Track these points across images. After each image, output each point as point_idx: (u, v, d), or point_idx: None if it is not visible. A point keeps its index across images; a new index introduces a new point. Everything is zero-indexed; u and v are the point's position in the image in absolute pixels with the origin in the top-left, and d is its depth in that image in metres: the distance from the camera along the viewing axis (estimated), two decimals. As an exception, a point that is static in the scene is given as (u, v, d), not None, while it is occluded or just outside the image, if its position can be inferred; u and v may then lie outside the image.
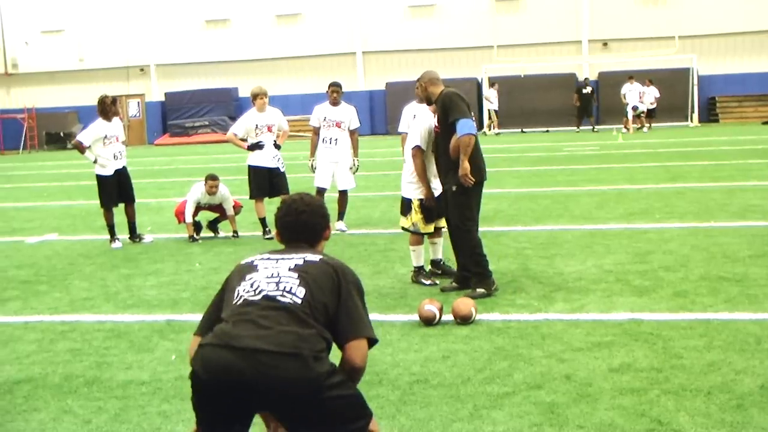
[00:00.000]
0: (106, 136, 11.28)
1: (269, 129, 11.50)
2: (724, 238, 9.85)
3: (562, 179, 16.89)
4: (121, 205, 11.53)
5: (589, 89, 34.82)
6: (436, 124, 7.82)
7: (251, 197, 11.60)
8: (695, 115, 36.80)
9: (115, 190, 11.42)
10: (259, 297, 3.47)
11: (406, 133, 11.14)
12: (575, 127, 35.31)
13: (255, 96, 11.54)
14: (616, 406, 4.79)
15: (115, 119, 11.60)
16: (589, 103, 34.71)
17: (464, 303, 6.73)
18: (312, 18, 42.41)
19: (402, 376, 5.39)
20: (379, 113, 39.80)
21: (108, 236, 11.41)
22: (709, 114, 38.32)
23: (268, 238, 11.23)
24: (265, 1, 42.57)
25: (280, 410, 3.41)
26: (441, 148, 7.75)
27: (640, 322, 6.45)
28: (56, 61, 44.50)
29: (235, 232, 11.63)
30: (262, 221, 11.47)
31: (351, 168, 11.89)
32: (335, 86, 11.85)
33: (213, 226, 11.86)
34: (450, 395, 5.07)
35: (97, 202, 11.59)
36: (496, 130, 36.35)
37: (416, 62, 39.72)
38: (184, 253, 10.64)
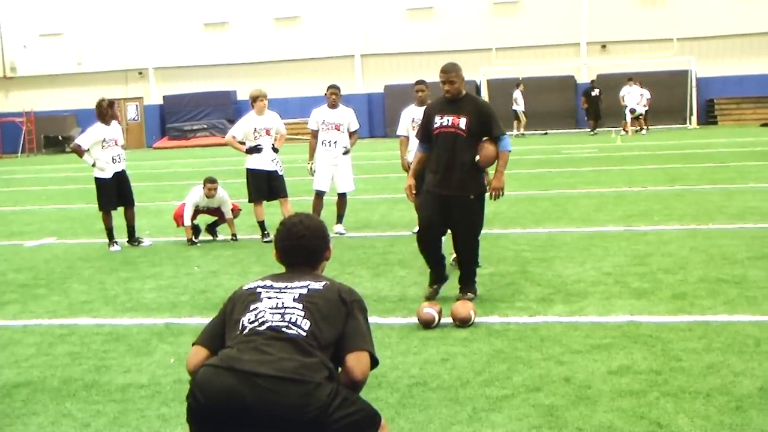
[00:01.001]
0: (104, 140, 11.28)
1: (267, 132, 11.50)
2: (723, 240, 9.86)
3: (560, 181, 16.90)
4: (120, 209, 11.53)
5: (597, 91, 34.60)
6: (462, 128, 7.47)
7: (250, 200, 11.60)
8: (694, 118, 36.80)
9: (114, 193, 11.41)
10: (263, 328, 3.44)
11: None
12: (590, 130, 34.90)
13: (255, 98, 11.53)
14: (615, 408, 4.79)
15: (114, 123, 11.60)
16: (597, 106, 34.48)
17: (463, 306, 6.73)
18: (310, 21, 42.43)
19: (401, 379, 5.39)
20: (378, 116, 39.80)
21: (107, 239, 11.41)
22: (708, 116, 38.33)
23: (266, 242, 11.22)
24: (263, 4, 42.58)
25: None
26: (461, 152, 7.41)
27: (639, 325, 6.45)
28: (55, 65, 44.49)
29: (233, 235, 11.63)
30: (261, 224, 11.46)
31: (346, 148, 11.82)
32: (334, 89, 11.84)
33: (212, 229, 11.86)
34: (449, 398, 5.07)
35: (96, 205, 11.59)
36: (521, 131, 35.93)
37: (415, 65, 39.75)
38: (183, 256, 10.64)
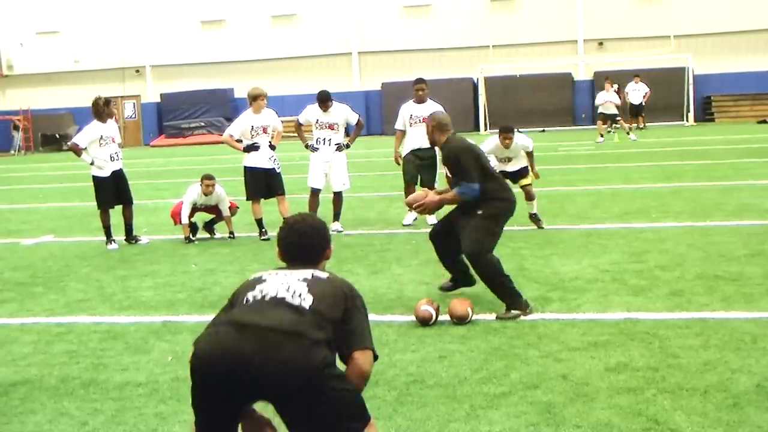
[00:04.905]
0: (101, 137, 11.27)
1: (264, 130, 11.49)
2: (720, 237, 9.87)
3: (558, 179, 16.90)
4: (118, 207, 11.53)
5: (615, 87, 31.16)
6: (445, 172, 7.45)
7: (248, 198, 11.59)
8: (691, 115, 36.84)
9: (112, 191, 11.41)
10: (268, 298, 3.54)
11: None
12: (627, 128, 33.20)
13: (255, 97, 11.47)
14: (612, 405, 4.79)
15: (110, 121, 11.58)
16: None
17: (461, 303, 6.73)
18: (307, 18, 42.42)
19: (399, 377, 5.39)
20: (375, 113, 39.77)
21: (104, 237, 11.41)
22: (705, 113, 38.38)
23: (264, 239, 11.22)
24: (260, 2, 42.57)
25: (277, 396, 3.38)
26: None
27: (637, 322, 6.46)
28: (51, 63, 44.47)
29: (231, 233, 11.62)
30: (259, 222, 11.46)
31: (338, 145, 11.76)
32: (323, 101, 11.60)
33: (209, 227, 11.85)
34: (447, 395, 5.07)
35: (93, 203, 11.58)
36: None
37: (412, 62, 39.79)
38: (180, 254, 10.63)
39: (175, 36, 43.52)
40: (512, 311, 6.83)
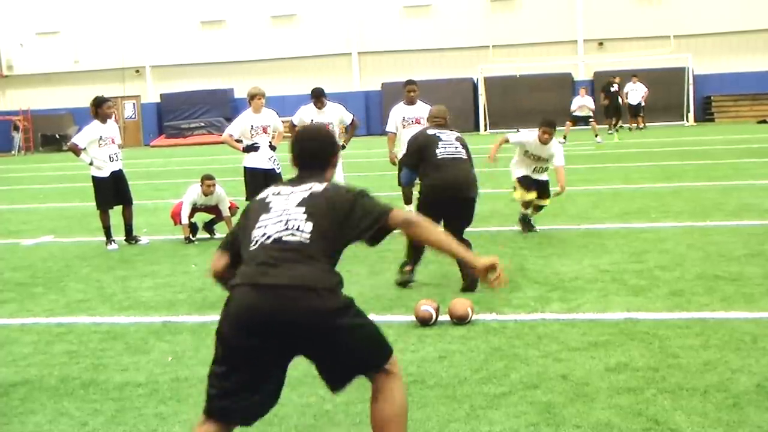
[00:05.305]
0: (101, 138, 11.26)
1: (264, 130, 11.47)
2: (720, 237, 9.87)
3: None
4: (118, 207, 11.52)
5: (615, 87, 31.96)
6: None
7: (247, 199, 11.57)
8: (691, 115, 36.85)
9: (111, 192, 11.40)
10: (270, 241, 3.72)
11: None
12: (608, 128, 31.84)
13: (253, 96, 11.49)
14: (612, 405, 4.79)
15: (110, 121, 11.58)
16: (617, 102, 31.95)
17: (461, 303, 6.73)
18: (307, 19, 42.43)
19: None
20: (375, 113, 39.75)
21: (104, 238, 11.40)
22: (705, 113, 38.38)
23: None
24: (260, 2, 42.57)
25: (303, 343, 3.60)
26: None
27: (637, 322, 6.46)
28: (51, 63, 44.48)
29: (231, 233, 11.61)
30: (258, 222, 11.44)
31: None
32: (317, 96, 11.70)
33: (209, 227, 11.85)
34: (447, 395, 5.07)
35: (93, 203, 11.58)
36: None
37: (412, 62, 39.79)
38: (180, 254, 10.63)
39: (175, 36, 43.53)
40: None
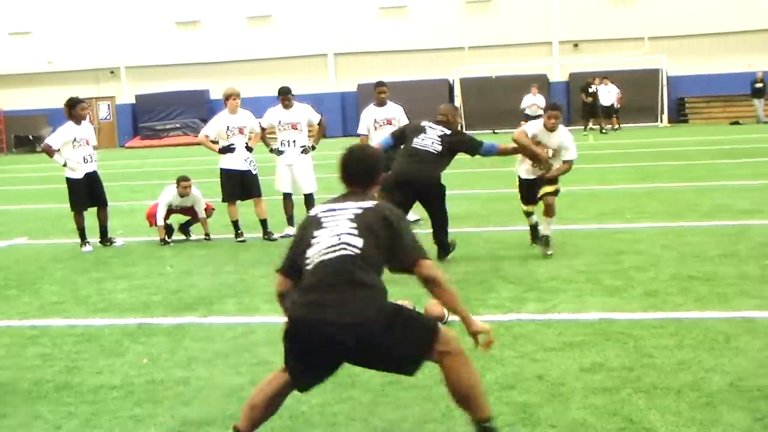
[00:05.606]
0: (75, 139, 11.18)
1: (241, 131, 11.44)
2: (694, 237, 9.94)
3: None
4: (92, 209, 11.45)
5: (594, 88, 32.51)
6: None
7: (223, 200, 11.55)
8: (665, 116, 37.09)
9: (86, 193, 11.32)
10: (324, 259, 4.13)
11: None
12: (584, 129, 32.70)
13: (228, 97, 11.48)
14: (588, 405, 4.82)
15: (85, 122, 11.51)
16: (594, 103, 32.67)
17: (437, 304, 6.71)
18: (283, 20, 42.30)
19: (374, 378, 5.38)
20: (351, 114, 39.59)
21: (79, 240, 11.33)
22: (679, 114, 38.63)
23: (240, 241, 11.21)
24: (235, 3, 42.40)
25: (357, 347, 4.04)
26: None
27: (612, 322, 6.49)
28: (25, 63, 44.03)
29: (206, 234, 11.58)
30: (235, 224, 11.42)
31: (303, 147, 11.68)
32: (284, 94, 11.68)
33: (185, 229, 11.80)
34: (422, 396, 5.08)
35: (68, 205, 11.49)
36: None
37: (388, 63, 39.78)
38: (156, 256, 10.58)
39: (150, 37, 43.25)
40: None
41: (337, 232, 4.17)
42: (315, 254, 4.17)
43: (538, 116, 28.11)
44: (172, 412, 5.03)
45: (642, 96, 36.56)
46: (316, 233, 4.24)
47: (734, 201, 12.70)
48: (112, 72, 44.21)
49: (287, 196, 11.68)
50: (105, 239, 11.50)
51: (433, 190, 9.20)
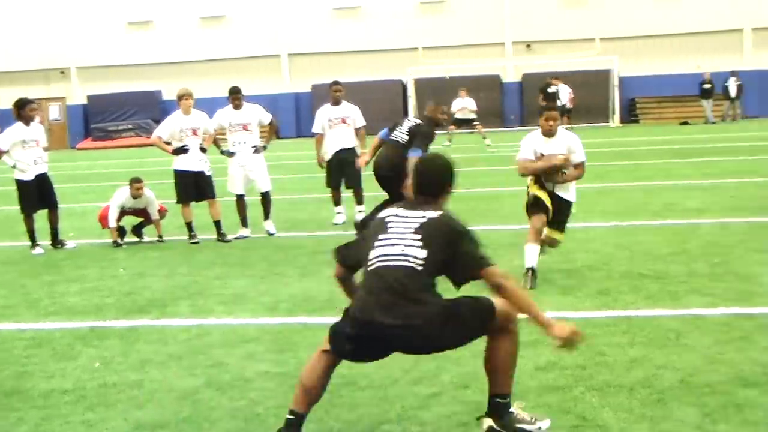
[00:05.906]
0: (24, 140, 11.04)
1: (194, 132, 11.37)
2: (645, 236, 10.07)
3: (486, 180, 17.05)
4: (43, 211, 11.30)
5: (553, 88, 31.85)
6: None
7: (178, 202, 11.47)
8: (616, 116, 37.53)
9: (36, 195, 11.18)
10: (384, 265, 4.26)
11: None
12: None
13: (181, 97, 11.40)
14: (542, 404, 4.86)
15: (34, 123, 11.36)
16: (554, 103, 32.88)
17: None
18: (236, 20, 42.10)
19: (330, 379, 5.37)
20: (306, 115, 39.50)
21: (29, 242, 11.17)
22: (630, 115, 39.11)
23: (193, 243, 11.14)
24: (188, 3, 42.12)
25: (406, 342, 4.27)
26: None
27: (565, 321, 6.52)
28: (-28, 63, 43.35)
29: (160, 236, 11.49)
30: (189, 225, 11.34)
31: (255, 147, 11.64)
32: (234, 93, 11.68)
33: (138, 230, 11.70)
34: (378, 397, 5.08)
35: (17, 207, 11.33)
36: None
37: (342, 64, 39.76)
38: (108, 258, 10.47)
39: (101, 37, 42.76)
40: None
41: (401, 242, 4.29)
42: (377, 258, 4.31)
43: (469, 119, 28.60)
44: (125, 416, 4.98)
45: (594, 96, 36.98)
46: (381, 236, 4.37)
47: (684, 200, 12.89)
48: (62, 72, 43.65)
49: (240, 198, 11.64)
50: (56, 242, 11.36)
51: (386, 174, 10.52)
